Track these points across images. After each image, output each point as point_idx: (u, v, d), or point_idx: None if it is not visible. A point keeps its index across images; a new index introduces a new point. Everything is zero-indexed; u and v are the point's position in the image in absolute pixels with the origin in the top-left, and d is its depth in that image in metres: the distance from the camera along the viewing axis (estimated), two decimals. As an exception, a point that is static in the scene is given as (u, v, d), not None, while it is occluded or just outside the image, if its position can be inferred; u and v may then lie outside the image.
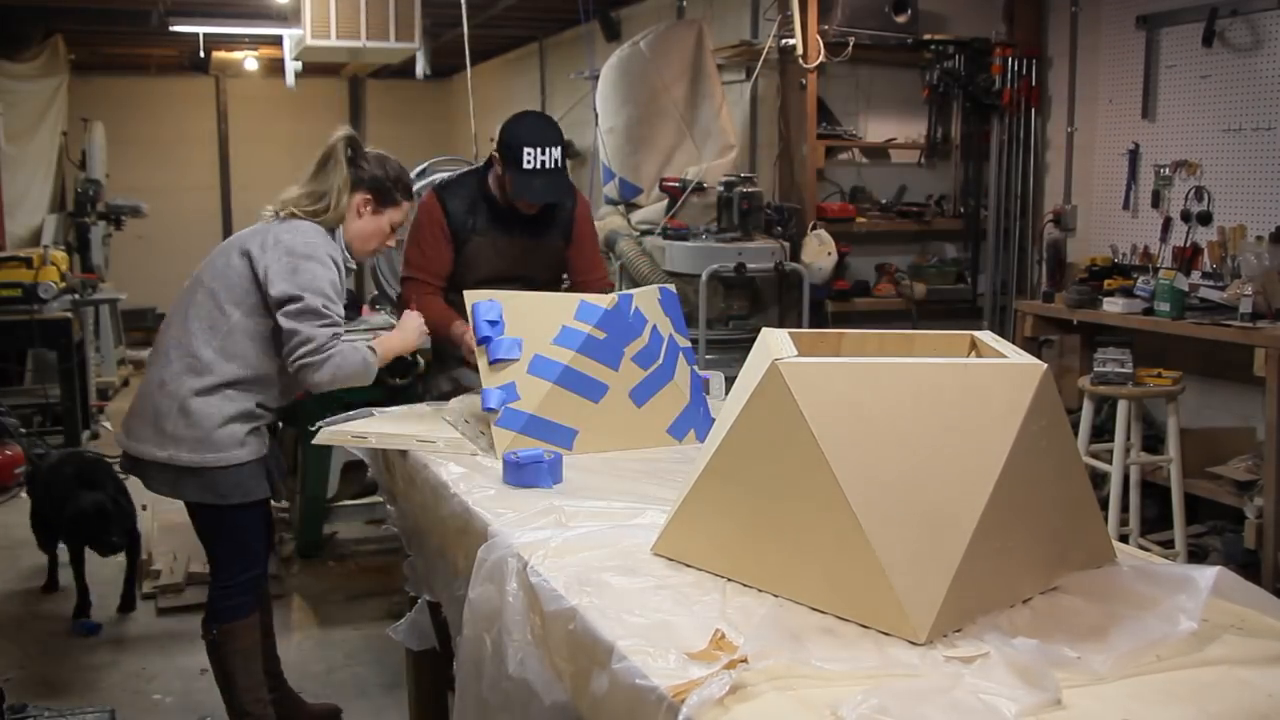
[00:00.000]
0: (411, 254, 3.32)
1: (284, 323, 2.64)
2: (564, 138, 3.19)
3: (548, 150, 3.07)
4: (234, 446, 2.71)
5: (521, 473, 2.26)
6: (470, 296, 2.66)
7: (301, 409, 4.52)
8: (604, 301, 2.57)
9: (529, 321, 2.58)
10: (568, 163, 3.12)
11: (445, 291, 3.29)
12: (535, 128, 3.13)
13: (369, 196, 2.84)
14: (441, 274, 3.28)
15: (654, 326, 2.62)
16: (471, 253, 3.25)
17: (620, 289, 4.78)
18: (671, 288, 2.85)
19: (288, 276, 2.65)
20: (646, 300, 2.66)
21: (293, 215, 2.77)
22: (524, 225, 3.25)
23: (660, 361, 2.60)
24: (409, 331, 2.89)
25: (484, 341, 2.58)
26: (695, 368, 2.77)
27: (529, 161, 3.05)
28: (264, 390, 2.77)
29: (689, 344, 2.76)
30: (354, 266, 2.90)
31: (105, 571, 4.61)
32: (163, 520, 5.11)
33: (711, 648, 1.43)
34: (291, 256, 2.67)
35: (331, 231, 2.80)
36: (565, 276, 3.44)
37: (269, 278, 2.66)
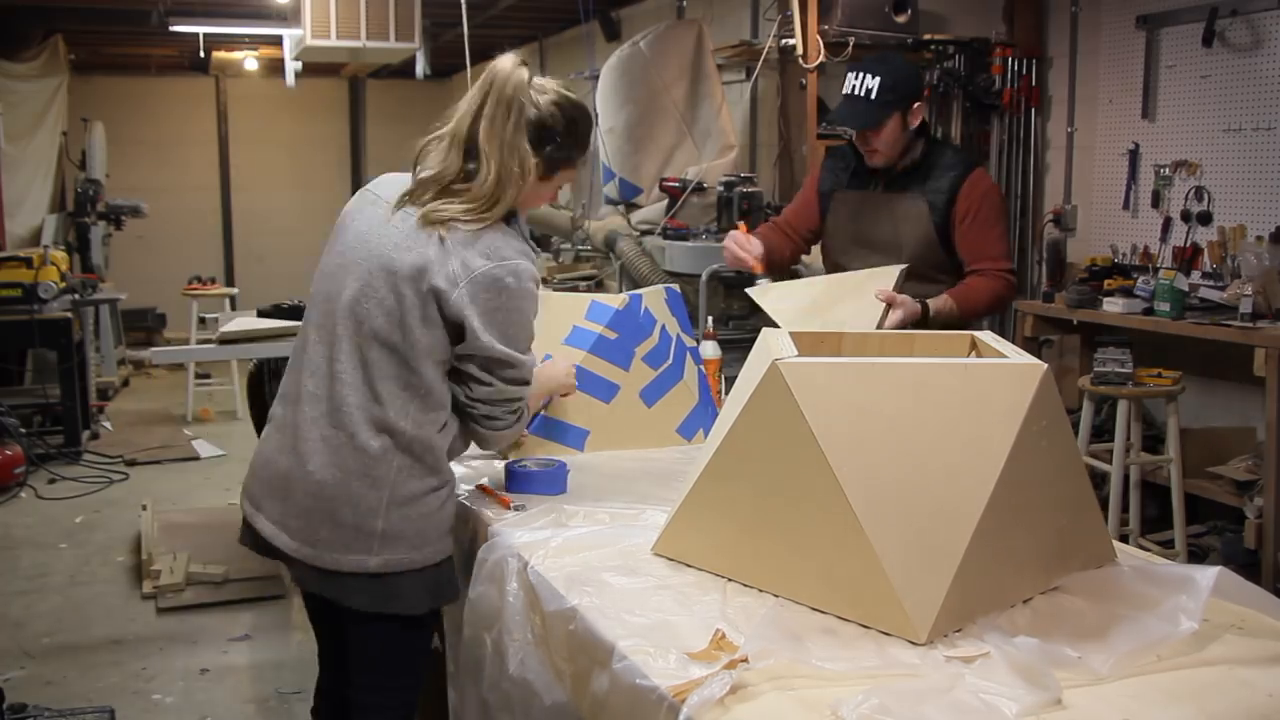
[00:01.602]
0: (790, 205, 3.40)
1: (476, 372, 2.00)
2: (895, 75, 2.97)
3: (862, 75, 2.97)
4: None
5: (529, 483, 2.18)
6: None
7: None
8: (615, 301, 2.57)
9: (540, 321, 2.58)
10: (874, 98, 2.93)
11: (802, 244, 3.30)
12: (869, 57, 3.07)
13: (541, 162, 2.01)
14: (795, 223, 3.29)
15: (663, 326, 2.63)
16: (833, 209, 3.22)
17: (621, 289, 4.79)
18: (676, 288, 2.85)
19: (497, 328, 1.96)
20: (655, 300, 2.67)
21: (454, 221, 1.94)
22: (886, 182, 3.12)
23: (670, 361, 2.61)
24: (545, 380, 2.32)
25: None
26: (702, 367, 2.77)
27: (846, 86, 3.00)
28: None
29: (695, 344, 2.77)
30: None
31: (104, 571, 4.61)
32: (163, 520, 5.11)
33: (712, 648, 1.43)
34: (498, 294, 1.94)
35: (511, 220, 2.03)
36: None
37: (473, 327, 1.93)
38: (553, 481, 2.21)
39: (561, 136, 2.00)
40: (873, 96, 2.96)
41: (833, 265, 3.28)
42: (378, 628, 1.99)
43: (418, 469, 1.96)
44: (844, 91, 3.02)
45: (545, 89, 2.00)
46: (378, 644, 2.02)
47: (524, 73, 1.96)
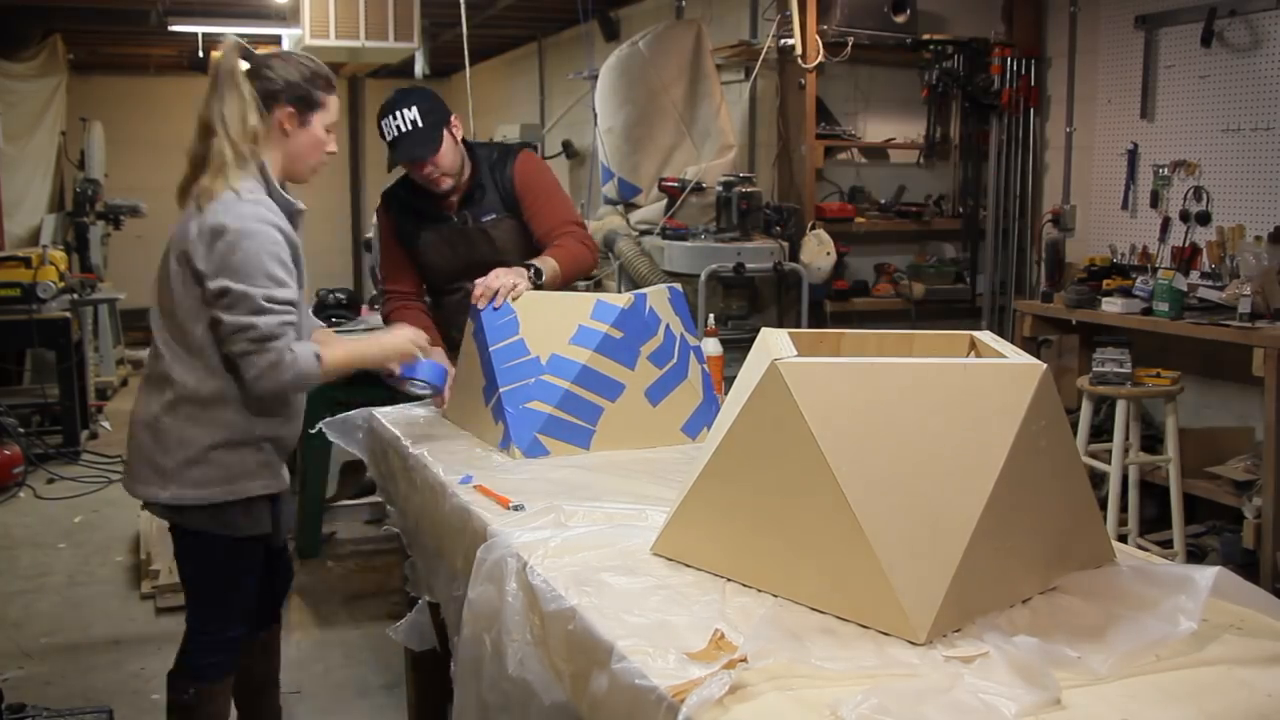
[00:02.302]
0: (382, 267, 3.28)
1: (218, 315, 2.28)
2: (429, 99, 3.02)
3: (399, 113, 2.96)
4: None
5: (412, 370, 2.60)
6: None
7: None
8: (620, 301, 2.58)
9: (545, 321, 2.59)
10: (422, 125, 2.96)
11: (428, 299, 3.27)
12: (389, 99, 3.04)
13: (290, 109, 2.37)
14: (412, 282, 3.23)
15: (667, 326, 2.63)
16: (425, 252, 3.19)
17: (620, 289, 4.79)
18: (678, 287, 2.85)
19: (215, 263, 2.26)
20: (659, 299, 2.67)
21: (203, 190, 2.29)
22: (462, 208, 3.14)
23: (675, 360, 2.61)
24: (388, 345, 2.58)
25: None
26: (705, 366, 2.78)
27: (388, 132, 2.99)
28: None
29: (698, 343, 2.77)
30: (302, 206, 2.44)
31: (103, 571, 4.61)
32: (162, 521, 5.11)
33: (711, 648, 1.43)
34: (219, 235, 2.25)
35: (262, 174, 2.35)
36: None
37: (200, 271, 2.27)
38: (433, 372, 2.63)
39: (284, 89, 2.36)
40: (420, 124, 2.98)
41: (447, 291, 3.26)
42: (180, 545, 2.52)
43: (201, 418, 2.36)
44: (389, 138, 3.00)
45: (268, 61, 2.38)
46: (182, 559, 2.55)
47: (233, 57, 2.33)
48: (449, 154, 3.03)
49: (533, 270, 2.85)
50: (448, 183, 3.06)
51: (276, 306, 2.27)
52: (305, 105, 2.40)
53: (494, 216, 3.15)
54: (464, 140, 3.14)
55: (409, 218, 3.18)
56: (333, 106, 2.46)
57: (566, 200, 3.23)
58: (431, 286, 3.30)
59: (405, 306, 3.20)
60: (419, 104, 2.98)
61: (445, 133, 3.01)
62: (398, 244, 3.21)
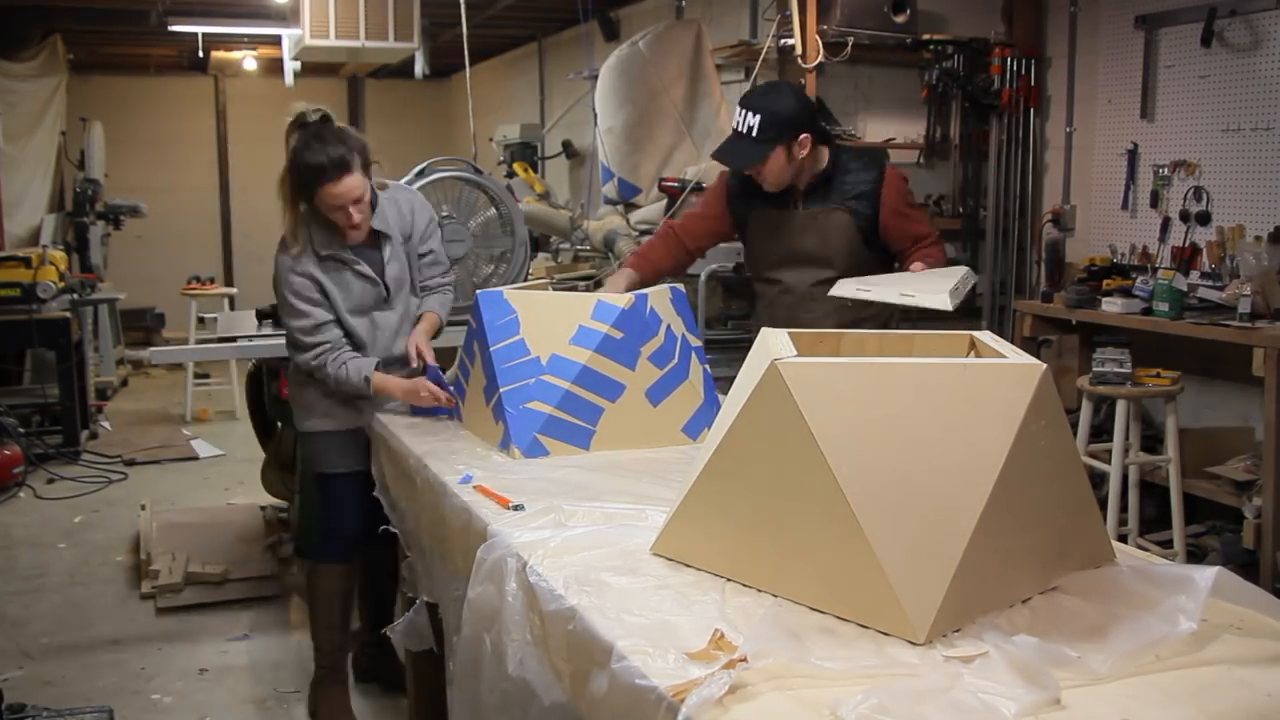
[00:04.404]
0: (685, 212, 3.48)
1: None
2: (772, 105, 3.08)
3: (744, 113, 3.06)
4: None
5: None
6: (482, 294, 2.67)
7: (300, 409, 4.53)
8: (621, 301, 2.58)
9: (546, 321, 2.59)
10: (755, 135, 3.04)
11: (692, 255, 3.41)
12: (751, 91, 3.20)
13: (292, 194, 2.95)
14: (693, 233, 3.37)
15: (668, 326, 2.63)
16: (753, 227, 3.30)
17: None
18: (681, 287, 2.85)
19: None
20: (660, 300, 2.67)
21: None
22: (803, 198, 3.22)
23: (675, 361, 2.61)
24: (408, 392, 2.96)
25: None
26: (707, 366, 2.78)
27: (733, 122, 3.11)
28: None
29: (700, 344, 2.77)
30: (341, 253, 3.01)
31: (103, 571, 4.61)
32: (162, 520, 5.11)
33: (711, 648, 1.43)
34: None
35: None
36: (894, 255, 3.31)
37: None
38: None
39: (292, 176, 2.91)
40: (754, 134, 3.04)
41: (764, 281, 3.37)
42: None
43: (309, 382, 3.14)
44: (732, 127, 3.11)
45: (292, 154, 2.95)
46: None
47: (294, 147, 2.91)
48: (774, 169, 3.09)
49: None
50: (769, 187, 3.15)
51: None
52: (306, 193, 2.92)
53: (830, 208, 3.20)
54: (837, 144, 3.28)
55: (751, 188, 3.23)
56: (328, 194, 2.86)
57: (924, 218, 3.36)
58: (754, 273, 3.43)
59: (660, 243, 3.40)
60: (764, 115, 3.03)
61: (776, 149, 3.05)
62: (716, 206, 3.35)
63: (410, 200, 3.19)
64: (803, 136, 3.07)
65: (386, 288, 3.07)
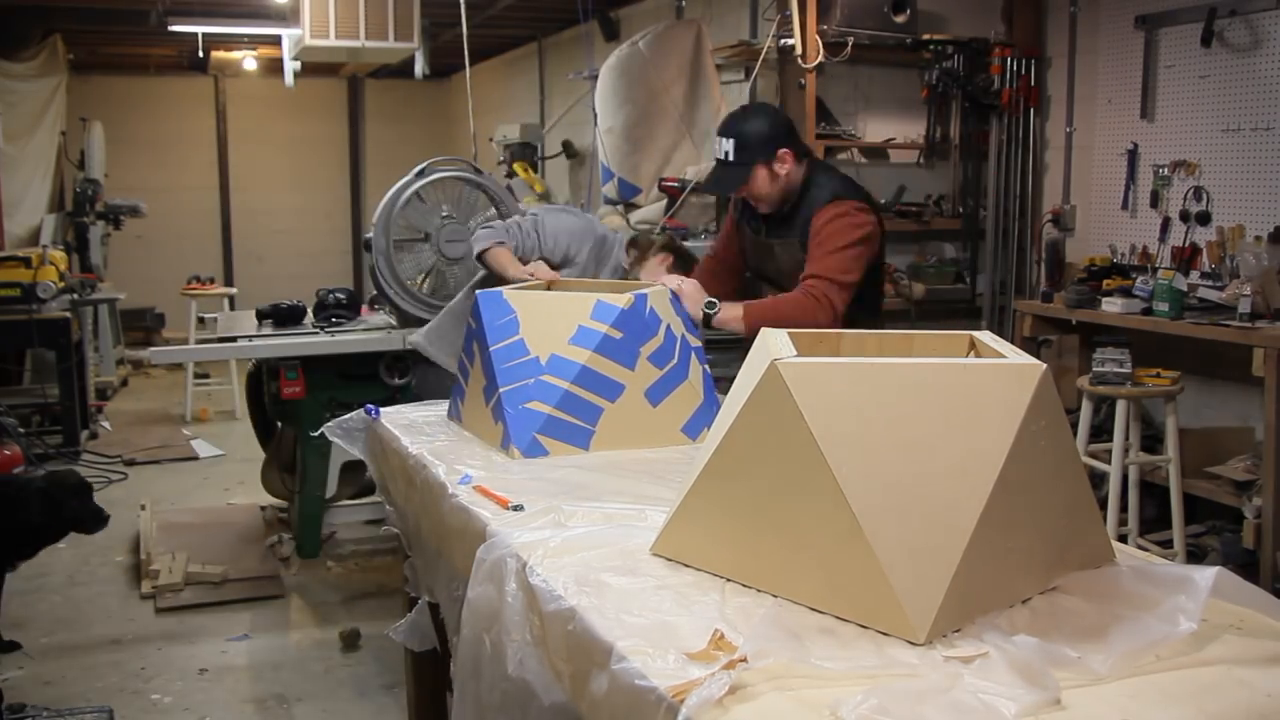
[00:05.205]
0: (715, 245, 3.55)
1: None
2: (744, 127, 3.11)
3: (720, 140, 3.11)
4: None
5: None
6: (481, 294, 2.67)
7: (301, 408, 4.54)
8: (620, 301, 2.57)
9: (545, 321, 2.59)
10: (734, 159, 3.09)
11: (738, 278, 3.41)
12: (724, 119, 3.21)
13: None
14: (723, 257, 3.42)
15: (668, 326, 2.63)
16: (745, 247, 3.36)
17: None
18: None
19: None
20: (659, 300, 2.67)
21: None
22: (767, 228, 3.25)
23: (675, 361, 2.61)
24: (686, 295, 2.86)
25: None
26: (707, 366, 2.77)
27: (715, 153, 3.19)
28: None
29: (700, 344, 2.76)
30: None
31: (103, 571, 4.61)
32: (162, 520, 5.11)
33: (711, 648, 1.43)
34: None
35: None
36: None
37: None
38: None
39: None
40: (731, 159, 3.08)
41: (745, 296, 3.33)
42: None
43: None
44: (715, 160, 3.17)
45: None
46: None
47: None
48: (760, 187, 3.12)
49: (714, 306, 2.92)
50: (764, 206, 3.19)
51: None
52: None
53: (787, 239, 3.20)
54: (815, 162, 3.22)
55: (747, 207, 3.30)
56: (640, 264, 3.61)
57: (832, 257, 3.04)
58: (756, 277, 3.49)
59: (704, 271, 3.42)
60: (736, 139, 3.08)
61: (757, 169, 3.08)
62: (731, 225, 3.40)
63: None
64: (781, 152, 3.08)
65: None
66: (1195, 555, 4.18)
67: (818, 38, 5.08)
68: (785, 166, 3.09)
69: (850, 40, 5.11)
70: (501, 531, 1.93)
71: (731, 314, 2.94)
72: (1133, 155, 4.84)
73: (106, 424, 7.23)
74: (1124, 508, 4.11)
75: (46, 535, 3.50)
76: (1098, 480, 4.15)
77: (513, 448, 2.48)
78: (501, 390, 2.53)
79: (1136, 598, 1.55)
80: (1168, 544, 4.10)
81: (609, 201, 5.51)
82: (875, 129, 5.57)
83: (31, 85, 8.30)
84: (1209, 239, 4.45)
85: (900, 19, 5.26)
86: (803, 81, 5.15)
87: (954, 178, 5.60)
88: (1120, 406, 4.08)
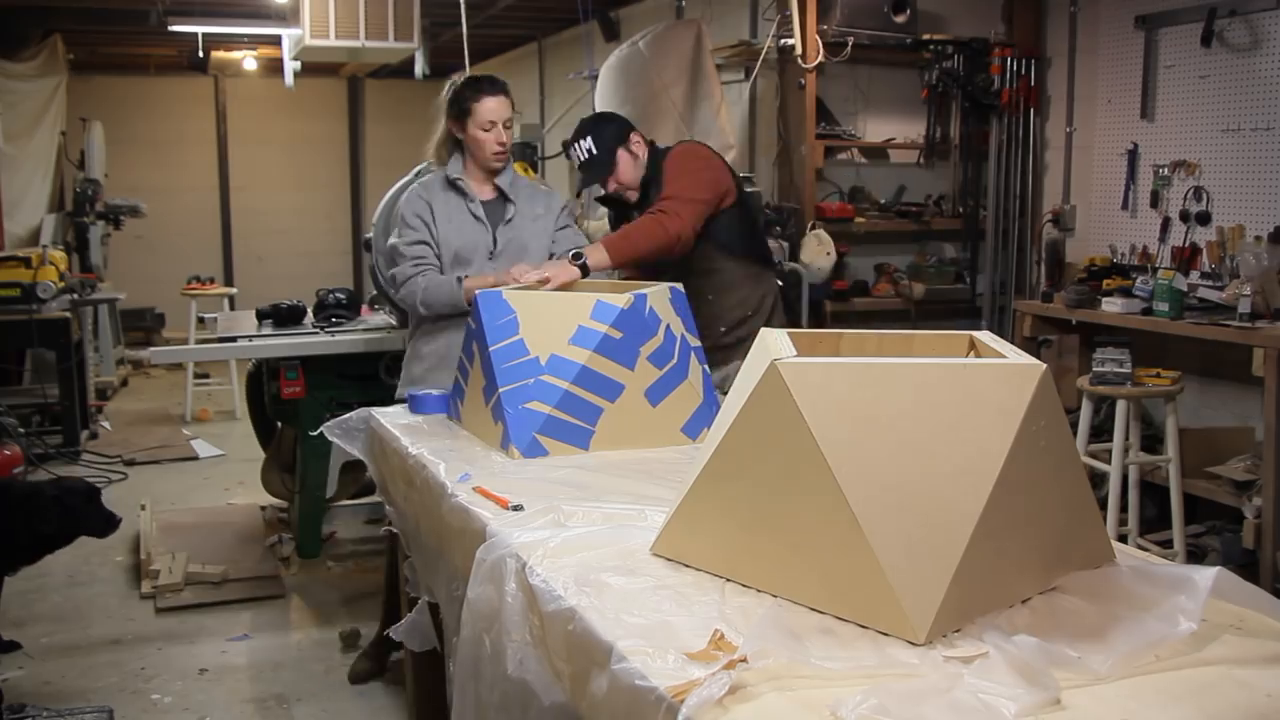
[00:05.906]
0: None
1: None
2: (595, 126, 3.40)
3: (576, 144, 3.37)
4: None
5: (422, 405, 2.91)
6: (481, 294, 2.67)
7: (301, 408, 4.54)
8: (620, 301, 2.57)
9: (545, 321, 2.59)
10: (596, 152, 3.33)
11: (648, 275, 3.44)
12: (574, 131, 3.41)
13: (454, 121, 3.29)
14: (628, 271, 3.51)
15: (667, 326, 2.63)
16: None
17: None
18: (679, 287, 2.85)
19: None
20: (659, 300, 2.67)
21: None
22: (639, 209, 3.37)
23: (675, 361, 2.61)
24: (500, 281, 2.99)
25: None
26: (706, 366, 2.77)
27: (573, 160, 3.42)
28: None
29: (699, 344, 2.76)
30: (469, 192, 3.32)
31: (103, 571, 4.61)
32: (162, 520, 5.11)
33: (710, 648, 1.43)
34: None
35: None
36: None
37: None
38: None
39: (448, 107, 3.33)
40: (595, 151, 3.31)
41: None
42: None
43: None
44: (576, 167, 3.41)
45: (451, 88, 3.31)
46: None
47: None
48: (627, 171, 3.35)
49: (581, 257, 3.00)
50: (632, 194, 3.39)
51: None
52: (460, 114, 3.28)
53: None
54: (652, 144, 3.44)
55: (621, 215, 3.53)
56: (483, 109, 3.21)
57: (678, 181, 3.25)
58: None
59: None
60: (593, 133, 3.35)
61: (621, 153, 3.33)
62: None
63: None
64: (633, 135, 3.36)
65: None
66: (1195, 555, 4.18)
67: (818, 38, 5.08)
68: (640, 147, 3.36)
69: (850, 40, 5.11)
70: (501, 531, 1.93)
71: (597, 256, 3.05)
72: (1133, 155, 4.84)
73: (106, 424, 7.23)
74: (1124, 508, 4.11)
75: (58, 542, 3.51)
76: (1098, 480, 4.15)
77: (512, 448, 2.48)
78: (501, 390, 2.53)
79: (1136, 598, 1.55)
80: (1168, 544, 4.10)
81: (609, 201, 5.51)
82: (875, 129, 5.57)
83: (31, 85, 8.29)
84: (1209, 239, 4.45)
85: (900, 19, 5.26)
86: (803, 81, 5.15)
87: (954, 178, 5.60)
88: (1120, 406, 4.08)
